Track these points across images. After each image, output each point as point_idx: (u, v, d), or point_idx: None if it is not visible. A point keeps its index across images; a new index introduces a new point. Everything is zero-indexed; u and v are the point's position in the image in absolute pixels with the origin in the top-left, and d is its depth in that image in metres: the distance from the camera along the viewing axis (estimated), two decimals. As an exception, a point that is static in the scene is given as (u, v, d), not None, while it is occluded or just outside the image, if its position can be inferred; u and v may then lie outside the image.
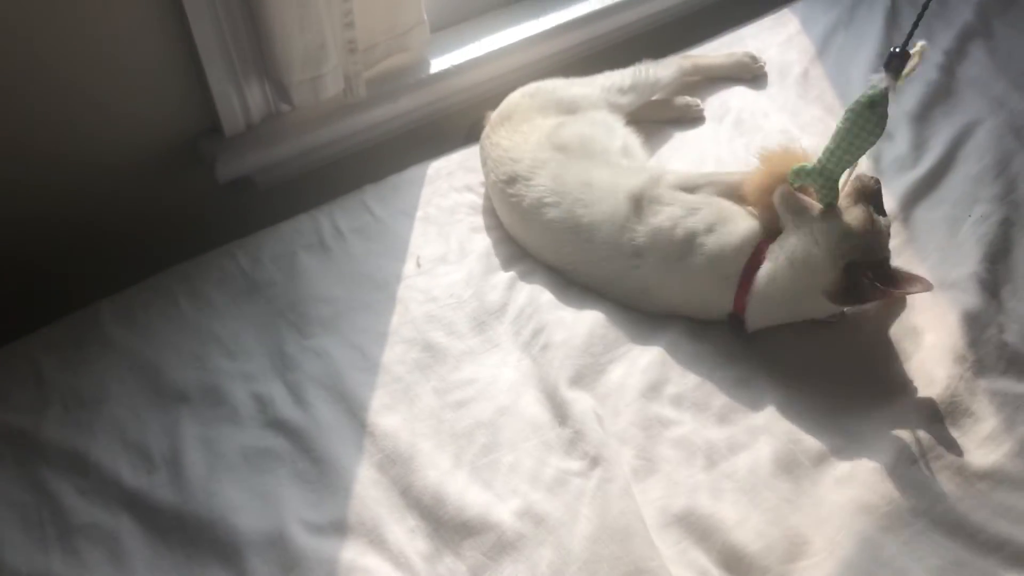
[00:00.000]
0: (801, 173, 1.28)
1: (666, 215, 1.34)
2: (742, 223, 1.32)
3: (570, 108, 1.57)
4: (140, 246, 1.61)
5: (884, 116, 1.19)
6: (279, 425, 1.26)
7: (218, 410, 1.29)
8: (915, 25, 1.18)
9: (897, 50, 1.17)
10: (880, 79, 1.18)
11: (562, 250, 1.43)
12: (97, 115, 1.51)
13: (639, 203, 1.36)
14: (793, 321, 1.32)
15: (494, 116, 1.60)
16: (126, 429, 1.27)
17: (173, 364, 1.35)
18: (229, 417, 1.28)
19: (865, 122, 1.19)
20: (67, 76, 1.45)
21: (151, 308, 1.44)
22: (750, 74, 1.78)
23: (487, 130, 1.59)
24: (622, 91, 1.61)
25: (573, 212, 1.40)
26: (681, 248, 1.31)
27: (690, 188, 1.39)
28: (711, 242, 1.30)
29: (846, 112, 1.22)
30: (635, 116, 1.63)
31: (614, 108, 1.59)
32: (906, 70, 1.18)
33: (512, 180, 1.47)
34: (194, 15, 1.48)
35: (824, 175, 1.26)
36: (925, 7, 1.19)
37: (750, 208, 1.36)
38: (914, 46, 1.18)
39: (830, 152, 1.24)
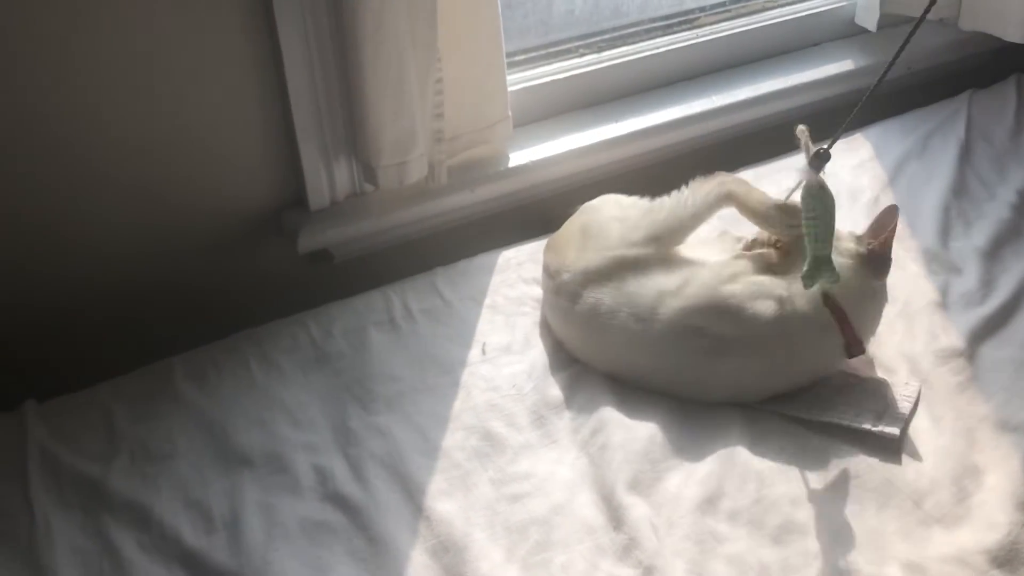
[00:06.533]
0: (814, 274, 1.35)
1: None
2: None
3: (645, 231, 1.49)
4: (216, 307, 1.67)
5: (828, 191, 1.33)
6: (338, 500, 1.28)
7: (279, 478, 1.31)
8: (843, 127, 1.37)
9: (822, 150, 1.32)
10: (805, 171, 1.33)
11: (622, 357, 1.44)
12: (192, 186, 1.60)
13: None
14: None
15: (573, 219, 1.60)
16: (189, 487, 1.30)
17: (239, 427, 1.39)
18: (290, 486, 1.30)
19: (823, 205, 1.32)
20: (171, 151, 1.55)
21: (222, 369, 1.49)
22: (775, 234, 1.49)
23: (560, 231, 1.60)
24: (682, 223, 1.50)
25: (640, 319, 1.40)
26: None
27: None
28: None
29: (804, 212, 1.34)
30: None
31: (669, 238, 1.51)
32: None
33: (559, 288, 1.48)
34: (296, 99, 1.57)
35: (823, 262, 1.34)
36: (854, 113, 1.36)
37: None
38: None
39: (813, 243, 1.34)
